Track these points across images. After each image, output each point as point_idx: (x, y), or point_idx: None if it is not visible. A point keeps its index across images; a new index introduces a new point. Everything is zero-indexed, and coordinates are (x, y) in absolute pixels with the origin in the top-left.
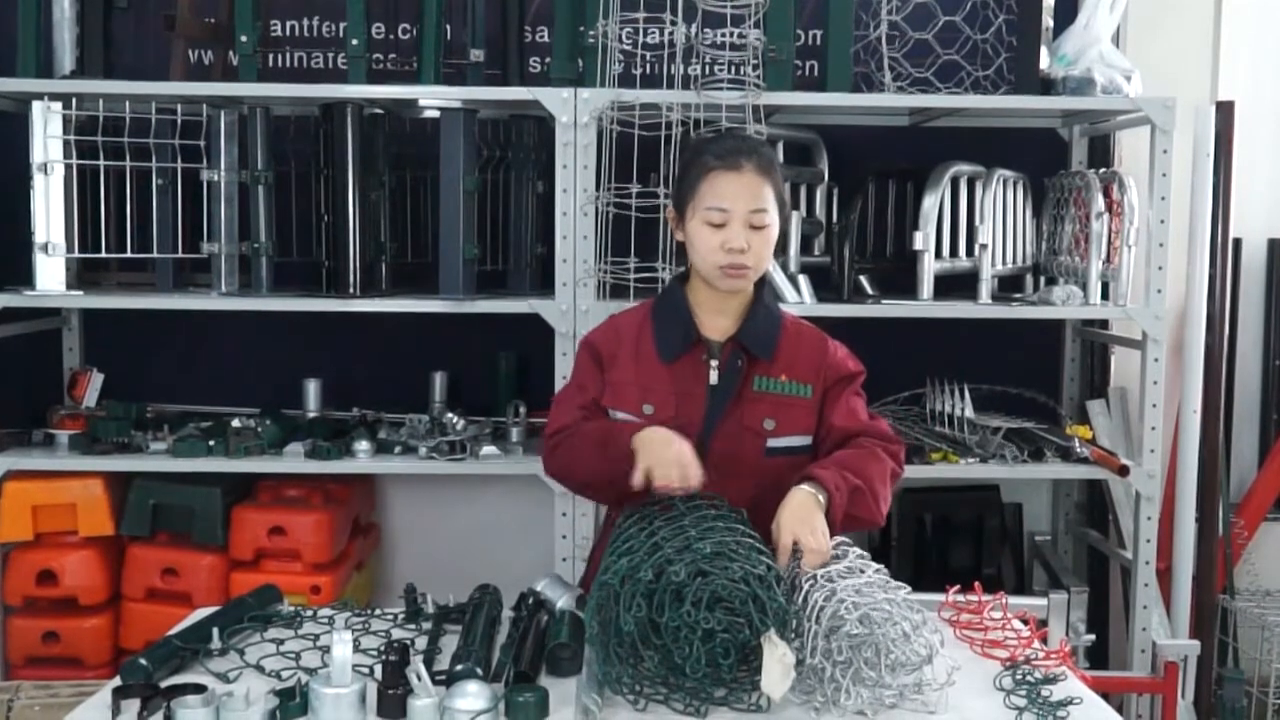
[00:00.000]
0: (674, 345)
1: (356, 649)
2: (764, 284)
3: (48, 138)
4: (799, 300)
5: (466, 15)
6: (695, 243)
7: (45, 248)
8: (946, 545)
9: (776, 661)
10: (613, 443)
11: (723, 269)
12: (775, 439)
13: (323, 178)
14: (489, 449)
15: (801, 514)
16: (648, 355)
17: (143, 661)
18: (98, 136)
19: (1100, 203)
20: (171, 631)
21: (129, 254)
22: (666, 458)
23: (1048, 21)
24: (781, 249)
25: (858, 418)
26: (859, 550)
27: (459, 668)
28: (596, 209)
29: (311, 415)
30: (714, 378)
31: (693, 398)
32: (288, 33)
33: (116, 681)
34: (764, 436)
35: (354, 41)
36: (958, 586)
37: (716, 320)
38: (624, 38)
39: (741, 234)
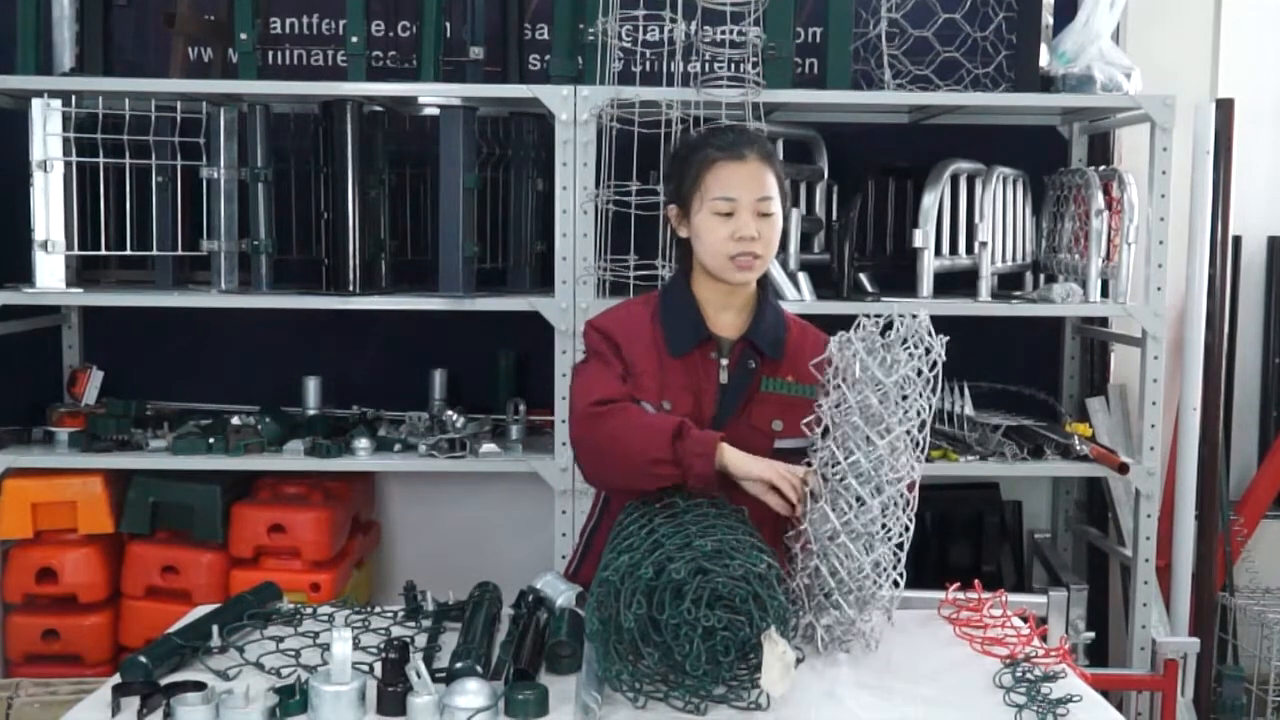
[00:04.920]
0: (684, 341)
1: (356, 646)
2: (766, 281)
3: (47, 135)
4: (799, 298)
5: (466, 13)
6: (703, 235)
7: (45, 245)
8: (946, 543)
9: (776, 659)
10: (691, 438)
11: (733, 259)
12: (783, 440)
13: (322, 175)
14: (488, 446)
15: None
16: (661, 349)
17: (142, 659)
18: (97, 134)
19: (1100, 200)
20: (171, 629)
21: (129, 251)
22: (786, 473)
23: (1047, 19)
24: (781, 246)
25: None
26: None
27: (459, 665)
28: (596, 206)
29: (311, 413)
30: (724, 376)
31: (703, 396)
32: (287, 30)
33: (116, 679)
34: (771, 437)
35: (354, 39)
36: (957, 584)
37: (722, 316)
38: (624, 35)
39: (750, 222)
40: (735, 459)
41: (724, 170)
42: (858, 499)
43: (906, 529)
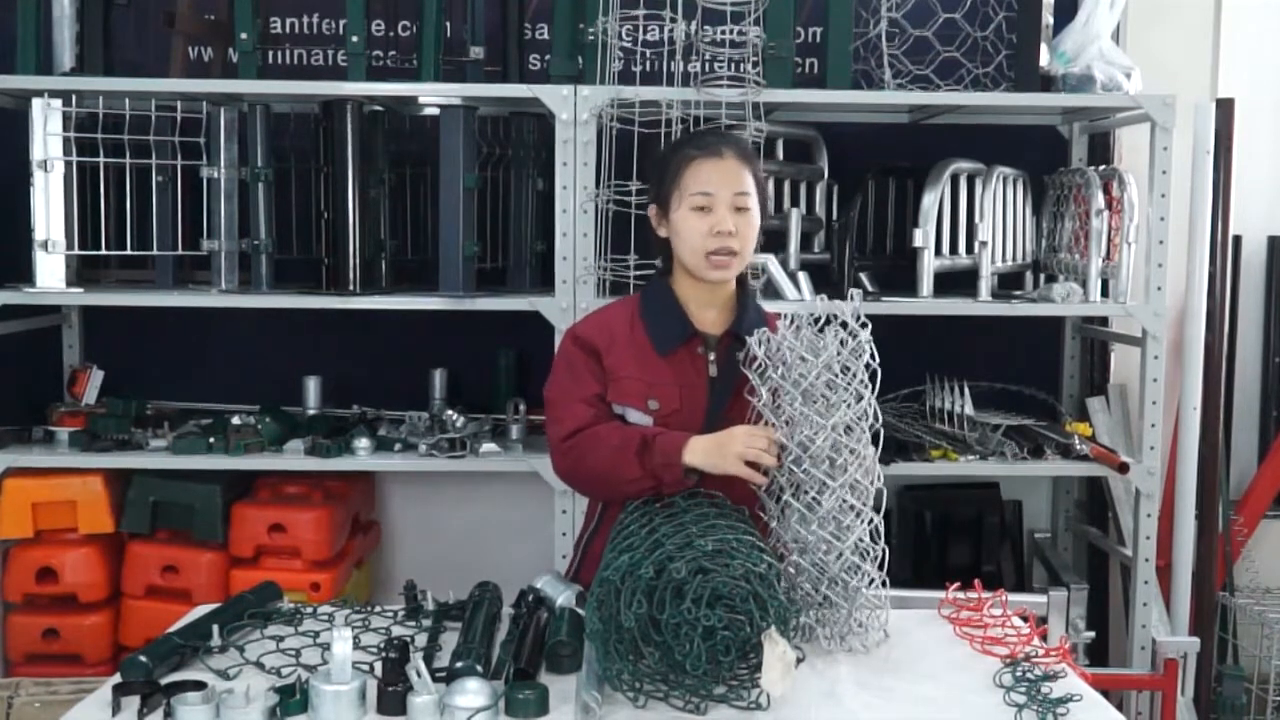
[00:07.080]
0: (670, 339)
1: (356, 646)
2: (745, 279)
3: (48, 135)
4: (799, 298)
5: (466, 12)
6: (682, 231)
7: (45, 245)
8: (946, 542)
9: (777, 659)
10: (656, 450)
11: (710, 255)
12: None
13: (322, 175)
14: (488, 446)
15: None
16: (644, 350)
17: (143, 659)
18: (98, 134)
19: (1100, 200)
20: (171, 629)
21: (129, 251)
22: (750, 442)
23: (1048, 19)
24: (781, 246)
25: None
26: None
27: (459, 665)
28: (596, 206)
29: (311, 412)
30: (714, 370)
31: (694, 391)
32: (287, 30)
33: (116, 678)
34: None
35: (354, 39)
36: (957, 584)
37: (705, 313)
38: (624, 35)
39: (728, 217)
40: (704, 458)
41: (702, 167)
42: (820, 483)
43: (878, 511)
